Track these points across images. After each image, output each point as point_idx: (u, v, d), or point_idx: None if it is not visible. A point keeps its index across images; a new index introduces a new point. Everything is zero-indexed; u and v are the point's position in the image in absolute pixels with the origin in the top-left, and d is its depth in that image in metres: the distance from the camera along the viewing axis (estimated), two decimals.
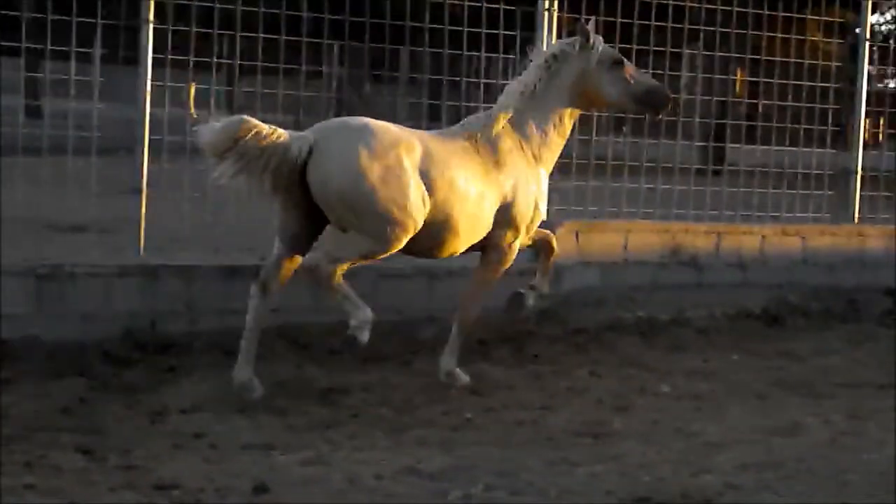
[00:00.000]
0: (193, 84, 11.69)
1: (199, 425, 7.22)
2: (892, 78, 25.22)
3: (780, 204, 12.22)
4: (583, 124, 11.61)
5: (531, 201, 8.79)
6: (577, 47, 8.94)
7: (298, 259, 8.16)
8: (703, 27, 12.11)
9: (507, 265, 8.85)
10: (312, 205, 8.04)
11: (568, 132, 9.13)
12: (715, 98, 12.89)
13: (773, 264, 11.77)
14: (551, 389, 8.53)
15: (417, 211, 8.06)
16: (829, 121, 12.84)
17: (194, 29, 10.19)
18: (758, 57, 12.71)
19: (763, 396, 8.51)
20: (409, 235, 8.08)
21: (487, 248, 8.76)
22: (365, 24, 10.97)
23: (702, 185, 12.08)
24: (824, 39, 14.13)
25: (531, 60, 9.04)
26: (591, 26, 8.97)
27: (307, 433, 7.20)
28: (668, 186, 11.87)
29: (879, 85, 18.04)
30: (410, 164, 8.08)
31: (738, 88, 15.98)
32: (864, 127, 13.17)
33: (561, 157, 9.72)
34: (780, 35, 12.25)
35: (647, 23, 11.28)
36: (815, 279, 11.86)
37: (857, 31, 12.97)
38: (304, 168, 7.90)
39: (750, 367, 9.46)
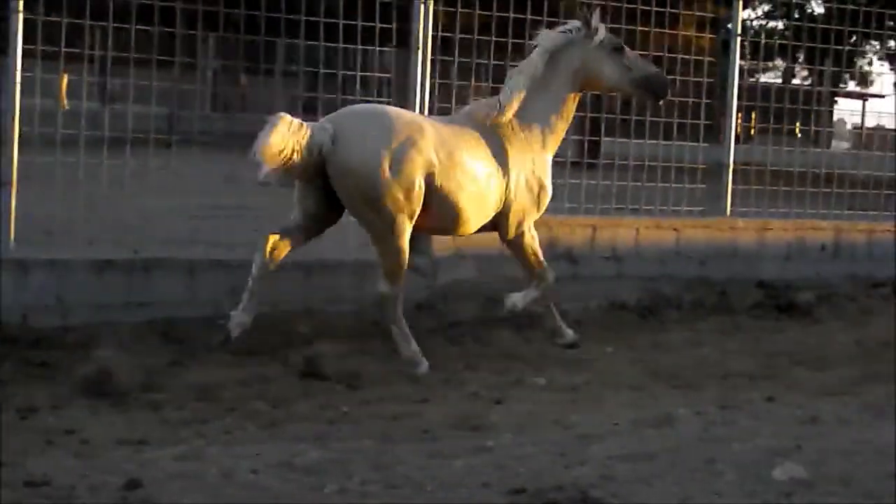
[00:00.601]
0: (66, 75, 11.52)
1: (70, 421, 7.14)
2: (763, 72, 25.61)
3: (654, 197, 12.34)
4: None
5: (536, 181, 9.46)
6: (579, 33, 9.57)
7: (301, 240, 8.93)
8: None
9: (530, 239, 9.62)
10: (329, 191, 8.71)
11: (571, 116, 9.79)
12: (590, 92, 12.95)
13: (647, 257, 11.88)
14: (428, 383, 8.55)
15: (420, 198, 8.74)
16: (703, 115, 12.99)
17: (66, 19, 10.02)
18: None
19: (637, 388, 8.59)
20: (412, 221, 8.81)
21: (499, 225, 9.49)
22: (239, 16, 10.88)
23: (577, 178, 12.15)
24: (697, 34, 14.28)
25: (535, 46, 9.59)
26: (597, 12, 9.56)
27: (182, 428, 7.14)
28: None
29: (751, 79, 18.25)
30: (422, 150, 8.72)
31: None
32: (737, 121, 13.34)
33: None
34: (653, 30, 12.34)
35: (522, 16, 11.31)
36: (688, 271, 12.00)
37: (729, 26, 13.11)
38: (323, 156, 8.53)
39: (624, 359, 9.55)
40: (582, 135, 14.65)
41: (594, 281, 11.43)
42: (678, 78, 12.68)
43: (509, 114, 9.38)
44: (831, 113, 26.27)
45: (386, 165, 8.60)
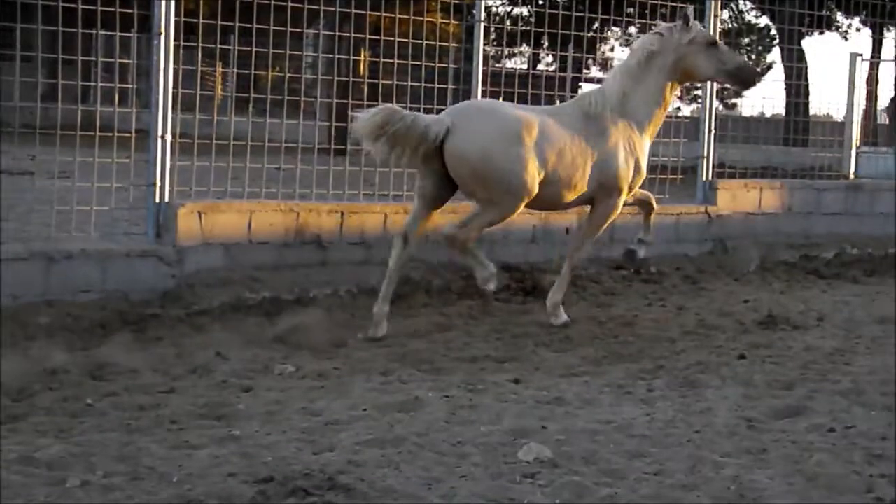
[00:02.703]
0: None
1: None
2: (509, 58, 25.96)
3: (402, 183, 12.39)
4: (204, 102, 11.52)
5: (631, 165, 10.55)
6: (677, 31, 10.71)
7: (434, 215, 10.27)
8: (323, 7, 12.17)
9: (614, 217, 10.78)
10: (446, 173, 9.85)
11: (669, 104, 11.02)
12: (337, 78, 12.93)
13: None
14: (175, 372, 8.43)
15: (532, 182, 9.87)
16: (448, 100, 13.09)
17: None
18: (377, 38, 12.82)
19: (386, 373, 8.61)
20: (525, 203, 10.02)
21: (595, 202, 10.59)
22: None
23: (325, 164, 12.13)
24: (443, 20, 14.40)
25: (637, 41, 10.95)
26: (689, 12, 10.69)
27: None
28: (291, 166, 11.87)
29: (498, 65, 18.50)
30: (529, 140, 9.85)
31: (360, 68, 16.11)
32: None
33: (182, 136, 9.96)
34: (400, 15, 12.37)
35: (267, 2, 11.23)
36: (436, 256, 12.07)
37: (475, 12, 13.24)
38: (441, 145, 9.67)
39: (374, 344, 9.57)
40: (329, 121, 14.61)
41: (343, 267, 11.42)
42: (424, 64, 12.76)
43: (609, 105, 10.50)
44: None
45: (495, 156, 9.73)
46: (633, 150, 10.59)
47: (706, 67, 10.90)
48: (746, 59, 11.47)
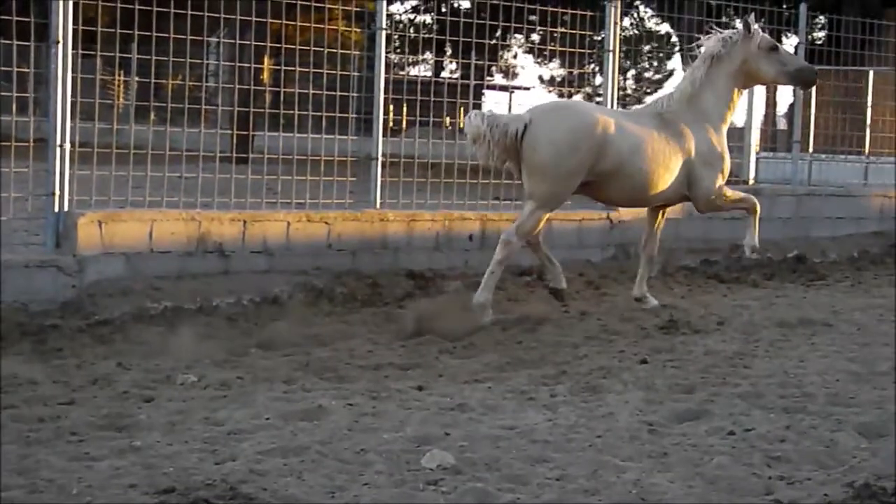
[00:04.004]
0: None
1: None
2: (413, 66, 26.02)
3: (305, 190, 12.36)
4: (104, 111, 11.43)
5: (716, 155, 11.52)
6: (740, 37, 11.56)
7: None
8: (224, 15, 12.11)
9: (719, 203, 11.66)
10: None
11: (736, 104, 11.81)
12: (239, 86, 12.88)
13: (299, 250, 11.88)
14: (75, 383, 8.34)
15: (575, 182, 10.93)
16: (353, 108, 13.08)
17: None
18: (279, 45, 12.80)
19: (289, 381, 8.57)
20: (564, 199, 11.30)
21: (692, 197, 11.61)
22: None
23: (227, 172, 12.07)
24: (346, 28, 14.37)
25: (703, 47, 11.68)
26: (751, 18, 11.54)
27: None
28: (193, 175, 11.80)
29: (402, 72, 18.50)
30: (592, 139, 10.76)
31: (263, 76, 16.07)
32: (389, 114, 13.50)
33: (82, 145, 9.94)
34: (301, 24, 12.36)
35: (166, 10, 11.16)
36: (340, 264, 12.07)
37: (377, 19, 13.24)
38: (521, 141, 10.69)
39: (277, 353, 9.52)
40: (231, 129, 14.55)
41: (246, 275, 11.38)
42: (326, 72, 12.74)
43: (679, 108, 11.43)
44: (480, 105, 26.91)
45: (561, 152, 10.68)
46: (713, 144, 11.50)
47: (769, 70, 11.74)
48: (805, 61, 12.56)
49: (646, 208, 11.95)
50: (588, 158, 10.83)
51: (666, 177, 11.25)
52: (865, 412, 7.76)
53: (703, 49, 11.78)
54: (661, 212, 11.96)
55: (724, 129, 11.76)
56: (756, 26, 11.64)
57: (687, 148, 11.36)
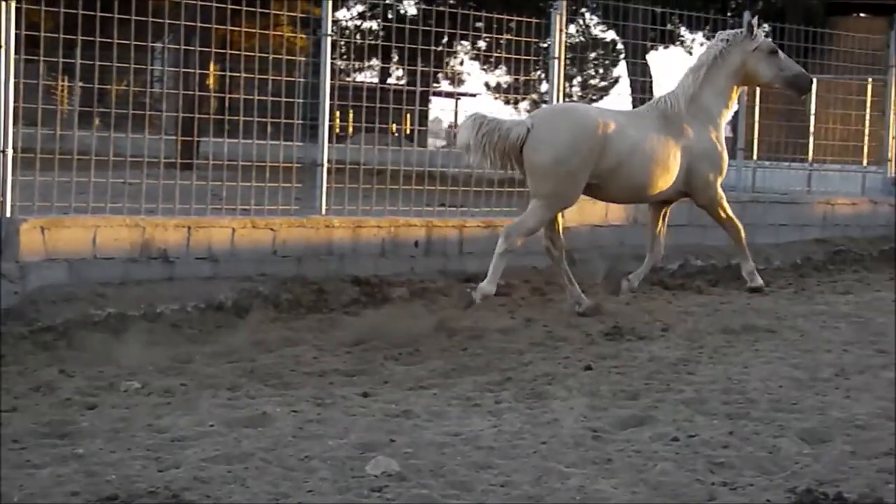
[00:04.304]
0: None
1: None
2: (359, 72, 26.01)
3: (250, 197, 12.33)
4: (47, 116, 11.34)
5: (715, 152, 11.86)
6: (741, 39, 11.92)
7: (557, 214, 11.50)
8: (169, 20, 12.06)
9: (718, 198, 11.99)
10: None
11: (734, 104, 12.32)
12: (184, 91, 12.83)
13: (244, 257, 11.84)
14: (17, 390, 8.29)
15: (581, 183, 11.24)
16: (298, 114, 13.06)
17: None
18: (224, 51, 12.75)
19: (234, 388, 8.55)
20: (570, 200, 11.56)
21: (691, 191, 11.92)
22: None
23: (172, 178, 12.02)
24: (291, 34, 14.36)
25: (705, 47, 12.16)
26: (754, 21, 11.93)
27: None
28: (137, 181, 11.74)
29: (348, 79, 18.52)
30: (593, 141, 11.06)
31: (209, 82, 16.03)
32: (335, 120, 13.48)
33: (25, 150, 9.90)
34: (246, 29, 12.32)
35: (109, 15, 11.10)
36: (285, 270, 12.04)
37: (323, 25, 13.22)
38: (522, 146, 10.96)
39: (222, 360, 9.49)
40: (176, 134, 14.48)
41: (190, 282, 11.33)
42: (272, 77, 12.71)
43: (681, 107, 11.69)
44: (426, 112, 26.95)
45: (560, 156, 10.96)
46: (711, 142, 11.82)
47: (767, 72, 12.10)
48: (802, 69, 12.59)
49: (643, 212, 12.58)
50: (589, 159, 11.10)
51: (666, 175, 11.59)
52: (808, 418, 7.82)
53: (705, 49, 12.28)
54: (661, 214, 12.17)
55: (722, 126, 12.13)
56: (758, 29, 11.99)
57: (687, 145, 11.69)
